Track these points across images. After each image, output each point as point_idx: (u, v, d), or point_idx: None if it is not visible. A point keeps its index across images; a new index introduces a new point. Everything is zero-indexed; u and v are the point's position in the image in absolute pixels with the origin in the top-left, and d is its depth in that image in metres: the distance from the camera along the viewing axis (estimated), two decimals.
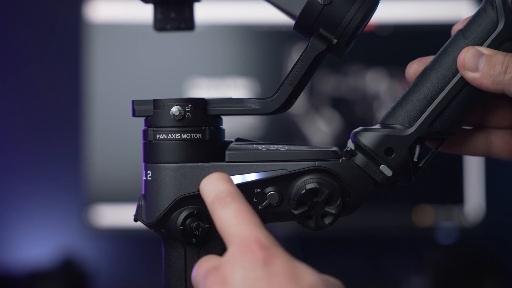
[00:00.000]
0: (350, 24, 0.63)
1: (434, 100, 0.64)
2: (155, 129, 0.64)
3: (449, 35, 0.65)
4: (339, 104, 1.66)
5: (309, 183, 0.63)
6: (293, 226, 1.40)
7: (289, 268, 0.55)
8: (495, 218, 1.72)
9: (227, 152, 0.64)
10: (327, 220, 0.64)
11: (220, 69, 1.67)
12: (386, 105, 1.65)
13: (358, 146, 0.64)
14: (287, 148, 0.64)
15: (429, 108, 0.64)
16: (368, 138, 0.64)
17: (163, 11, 0.74)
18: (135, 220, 0.65)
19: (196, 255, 0.63)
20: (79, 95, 1.70)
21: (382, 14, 1.64)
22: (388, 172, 0.64)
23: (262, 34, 1.67)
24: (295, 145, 0.65)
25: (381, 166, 0.64)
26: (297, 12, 0.63)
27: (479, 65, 0.62)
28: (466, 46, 0.63)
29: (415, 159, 0.64)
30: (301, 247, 1.67)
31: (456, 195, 1.65)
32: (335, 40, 0.63)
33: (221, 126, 0.66)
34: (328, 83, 1.66)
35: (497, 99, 0.68)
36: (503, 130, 0.68)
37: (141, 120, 0.65)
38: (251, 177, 0.63)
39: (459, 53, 0.63)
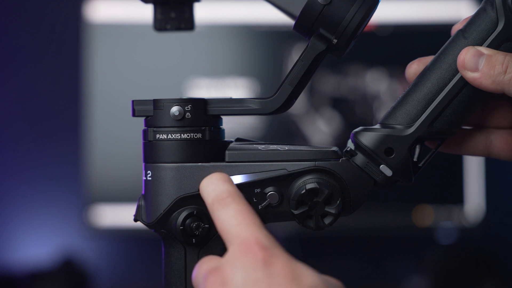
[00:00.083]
0: (350, 24, 0.63)
1: (434, 100, 0.64)
2: (155, 129, 0.64)
3: (449, 35, 0.65)
4: (339, 104, 1.66)
5: (309, 183, 0.63)
6: (293, 226, 1.40)
7: (289, 269, 0.55)
8: (495, 218, 1.72)
9: (227, 152, 0.64)
10: (327, 220, 0.64)
11: (220, 69, 1.67)
12: (386, 105, 1.65)
13: (358, 146, 0.64)
14: (287, 148, 0.64)
15: (429, 108, 0.64)
16: (368, 138, 0.64)
17: (163, 11, 0.74)
18: (135, 220, 0.65)
19: (196, 255, 0.63)
20: (79, 95, 1.70)
21: (382, 14, 1.64)
22: (388, 172, 0.64)
23: (262, 34, 1.67)
24: (295, 145, 0.65)
25: (381, 166, 0.64)
26: (297, 12, 0.63)
27: (479, 65, 0.62)
28: (466, 46, 0.63)
29: (415, 159, 0.64)
30: (301, 247, 1.67)
31: (456, 195, 1.65)
32: (335, 40, 0.63)
33: (221, 126, 0.66)
34: (328, 83, 1.66)
35: (497, 99, 0.68)
36: (503, 130, 0.68)
37: (141, 120, 0.65)
38: (251, 177, 0.63)
39: (459, 53, 0.63)
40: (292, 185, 0.64)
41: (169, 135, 0.63)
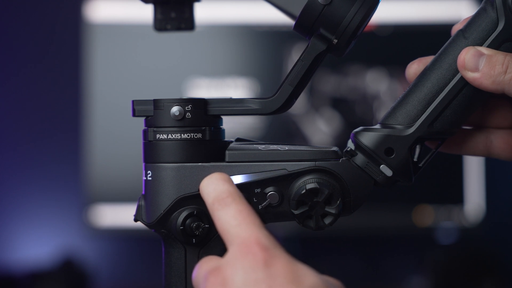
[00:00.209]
0: (350, 24, 0.62)
1: (434, 100, 0.64)
2: (155, 129, 0.64)
3: (449, 35, 0.65)
4: (339, 104, 1.66)
5: (309, 183, 0.63)
6: (293, 226, 1.40)
7: (289, 270, 0.55)
8: (495, 218, 1.72)
9: (227, 152, 0.64)
10: (327, 220, 0.64)
11: (220, 69, 1.67)
12: (386, 105, 1.65)
13: (358, 146, 0.64)
14: (287, 148, 0.64)
15: (429, 108, 0.64)
16: (368, 138, 0.64)
17: (163, 11, 0.74)
18: (135, 220, 0.65)
19: (196, 255, 0.63)
20: (79, 95, 1.70)
21: (382, 14, 1.64)
22: (388, 172, 0.64)
23: (262, 34, 1.67)
24: (295, 145, 0.65)
25: (381, 166, 0.64)
26: (297, 12, 0.63)
27: (479, 65, 0.62)
28: (466, 46, 0.63)
29: (415, 159, 0.64)
30: (301, 247, 1.67)
31: (456, 195, 1.65)
32: (335, 40, 0.63)
33: (221, 126, 0.66)
34: (328, 83, 1.66)
35: (497, 99, 0.68)
36: (503, 130, 0.68)
37: (141, 120, 0.65)
38: (251, 177, 0.63)
39: (459, 53, 0.63)
40: (292, 185, 0.64)
41: (169, 135, 0.63)
